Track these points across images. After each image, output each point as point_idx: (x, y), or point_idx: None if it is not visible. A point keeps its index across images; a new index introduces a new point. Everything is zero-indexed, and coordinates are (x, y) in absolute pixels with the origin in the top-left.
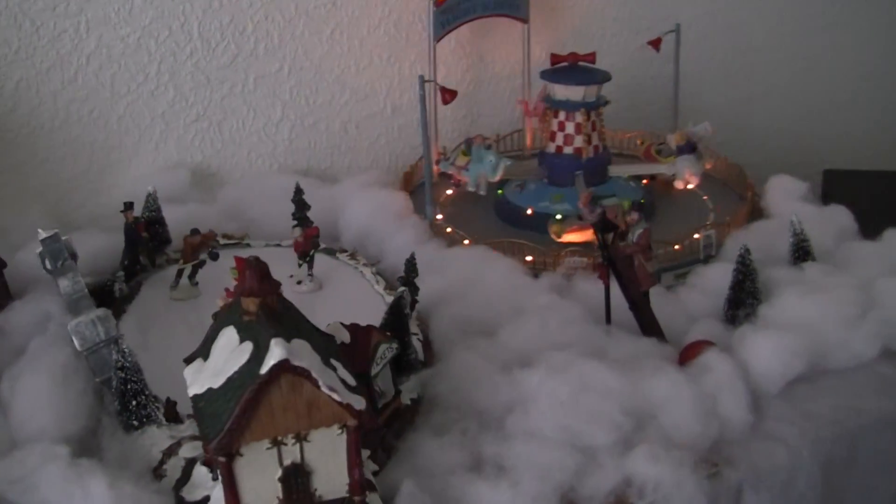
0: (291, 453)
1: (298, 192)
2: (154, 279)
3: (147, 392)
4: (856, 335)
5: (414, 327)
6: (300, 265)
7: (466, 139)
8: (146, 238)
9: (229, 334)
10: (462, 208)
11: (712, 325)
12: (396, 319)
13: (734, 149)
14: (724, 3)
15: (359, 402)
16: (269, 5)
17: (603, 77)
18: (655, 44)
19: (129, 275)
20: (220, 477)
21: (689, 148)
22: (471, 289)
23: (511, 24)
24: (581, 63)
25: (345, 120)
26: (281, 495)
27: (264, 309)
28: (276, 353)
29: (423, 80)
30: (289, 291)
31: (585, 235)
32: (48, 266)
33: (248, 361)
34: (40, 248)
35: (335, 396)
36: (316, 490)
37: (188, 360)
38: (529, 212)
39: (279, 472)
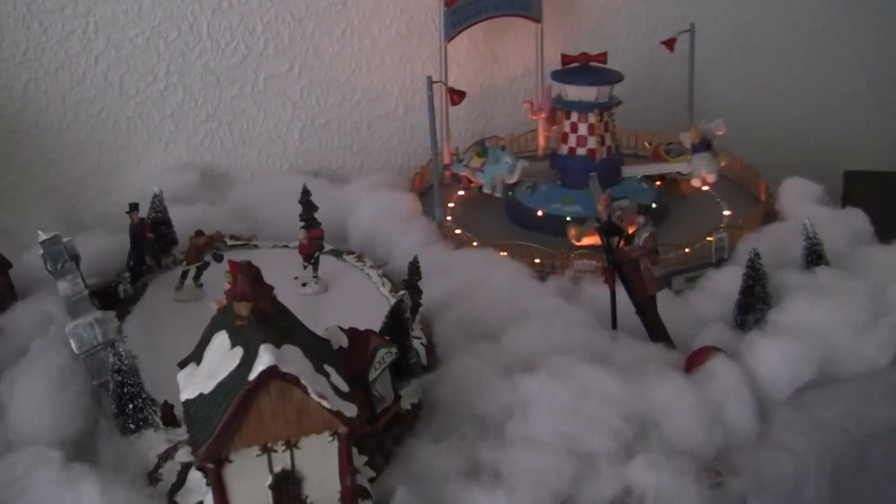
0: (282, 460)
1: (305, 193)
2: (160, 280)
3: (144, 395)
4: (867, 342)
5: (417, 331)
6: (305, 267)
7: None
8: (151, 239)
9: (221, 339)
10: (473, 210)
11: (721, 330)
12: (396, 323)
13: (752, 149)
14: (742, 1)
15: (350, 410)
16: (278, 6)
17: (615, 77)
18: (669, 44)
19: (134, 276)
20: None
21: (705, 146)
22: (476, 292)
23: (525, 24)
24: (592, 63)
25: (356, 120)
26: (272, 502)
27: (256, 314)
28: (264, 359)
29: (430, 82)
30: (294, 293)
31: None
32: (49, 268)
33: (238, 367)
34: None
35: (325, 404)
36: (307, 497)
37: (182, 364)
38: (540, 213)
39: (269, 479)
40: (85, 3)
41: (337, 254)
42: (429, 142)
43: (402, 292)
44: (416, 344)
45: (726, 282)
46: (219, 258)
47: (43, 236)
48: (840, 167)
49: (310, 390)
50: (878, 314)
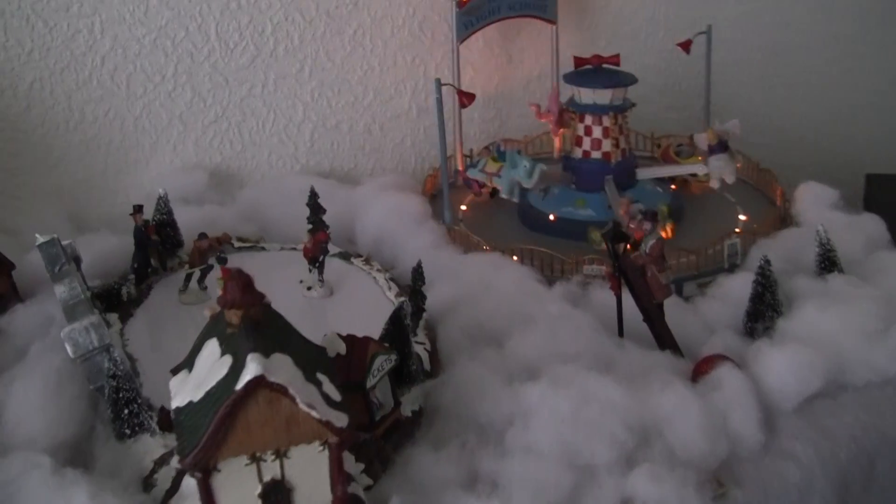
0: (271, 469)
1: (313, 195)
2: (165, 282)
3: (140, 400)
4: (878, 350)
5: (421, 336)
6: (311, 271)
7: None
8: (156, 241)
9: (212, 347)
10: (485, 213)
11: (730, 337)
12: (397, 330)
13: (772, 151)
14: (762, 2)
15: (340, 419)
16: (288, 6)
17: (630, 79)
18: (685, 46)
19: (139, 278)
20: None
21: (722, 147)
22: (483, 296)
23: (541, 25)
24: (606, 65)
25: (368, 122)
26: None
27: (246, 321)
28: (251, 368)
29: (439, 84)
30: (299, 297)
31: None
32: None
33: (227, 376)
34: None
35: (313, 413)
36: None
37: (174, 371)
38: (552, 217)
39: (259, 489)
40: (90, 2)
41: (344, 257)
42: (447, 142)
43: (402, 299)
44: (420, 349)
45: (737, 288)
46: (223, 261)
47: (40, 239)
48: (862, 170)
49: (298, 400)
50: (891, 322)
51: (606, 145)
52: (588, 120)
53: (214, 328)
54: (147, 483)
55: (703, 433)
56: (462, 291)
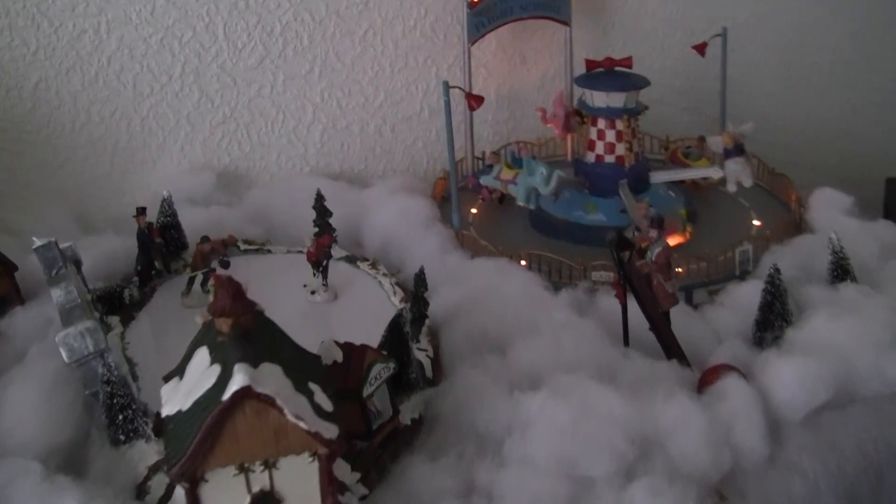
0: (260, 480)
1: (319, 198)
2: (168, 285)
3: (135, 406)
4: (889, 361)
5: (424, 343)
6: (315, 275)
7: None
8: (160, 243)
9: (202, 355)
10: (495, 217)
11: (738, 347)
12: (396, 337)
13: (791, 154)
14: (781, 2)
15: (330, 431)
16: (297, 6)
17: (643, 82)
18: (700, 48)
19: (143, 280)
20: None
21: (738, 150)
22: (488, 302)
23: (555, 26)
24: (618, 68)
25: (379, 123)
26: None
27: (236, 330)
28: (238, 378)
29: (447, 86)
30: (302, 301)
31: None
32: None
33: (215, 385)
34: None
35: (302, 425)
36: None
37: (167, 378)
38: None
39: (247, 499)
40: (97, 2)
41: (351, 260)
42: (460, 144)
43: (401, 306)
44: (422, 356)
45: (747, 296)
46: (225, 265)
47: (37, 242)
48: (882, 174)
49: (286, 411)
50: None
51: (620, 149)
52: (601, 124)
53: (205, 336)
54: (141, 490)
55: (705, 445)
56: (468, 297)
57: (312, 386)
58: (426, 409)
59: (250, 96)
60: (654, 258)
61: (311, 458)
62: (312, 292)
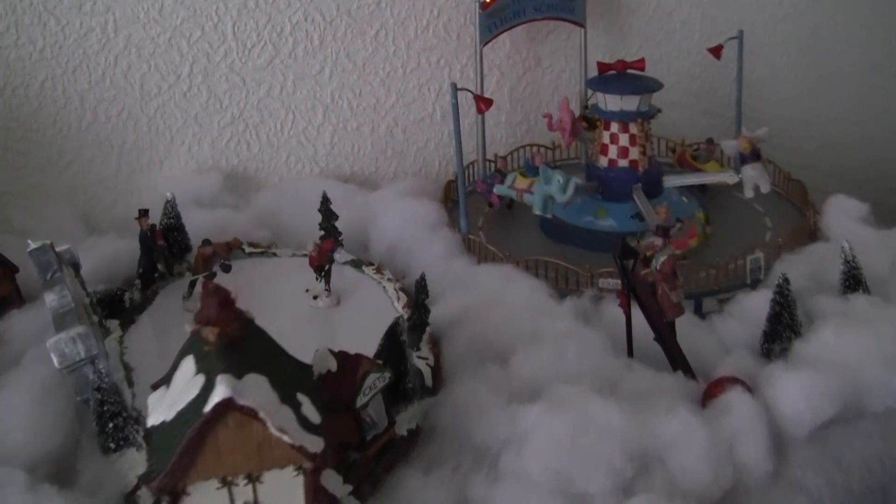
0: (244, 494)
1: (325, 201)
2: (171, 288)
3: (125, 414)
4: None
5: (425, 351)
6: (318, 279)
7: (525, 161)
8: (163, 246)
9: (188, 364)
10: (505, 221)
11: (745, 359)
12: (392, 346)
13: (810, 159)
14: (801, 4)
15: (315, 444)
16: (308, 6)
17: (657, 85)
18: (716, 51)
19: (145, 283)
20: None
21: (755, 155)
22: (492, 310)
23: (571, 27)
24: (630, 70)
25: (390, 124)
26: None
27: (223, 339)
28: (220, 390)
29: (455, 88)
30: (305, 305)
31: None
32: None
33: (198, 396)
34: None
35: (285, 438)
36: None
37: (155, 386)
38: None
39: None
40: (104, 0)
41: (356, 264)
42: (471, 147)
43: (398, 315)
44: (422, 365)
45: (757, 306)
46: (226, 268)
47: (32, 245)
48: None
49: (269, 424)
50: None
51: (634, 153)
52: (614, 127)
53: (193, 344)
54: (129, 500)
55: (706, 461)
56: (472, 304)
57: (301, 397)
58: (424, 420)
59: (259, 97)
60: (659, 267)
61: (296, 472)
62: (315, 297)
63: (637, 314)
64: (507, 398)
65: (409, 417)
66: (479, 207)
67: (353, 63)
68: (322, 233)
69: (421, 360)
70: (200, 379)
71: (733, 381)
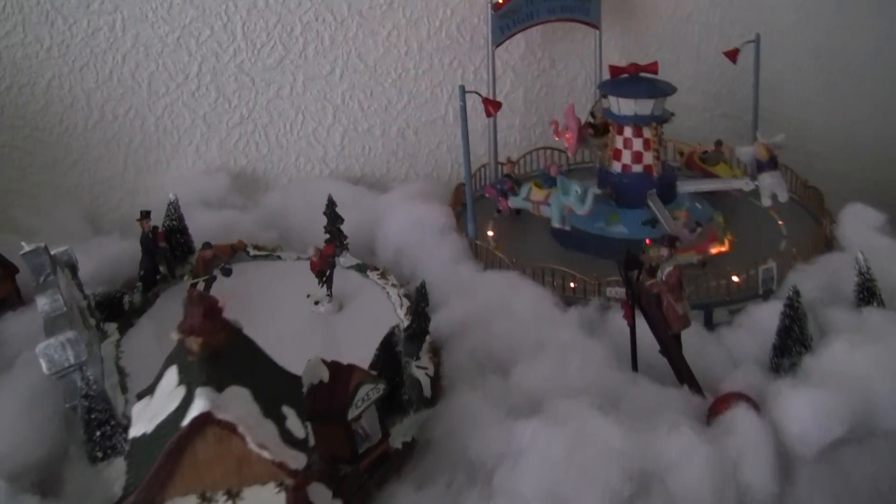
0: None
1: (331, 204)
2: (172, 291)
3: (113, 422)
4: None
5: (425, 360)
6: (320, 285)
7: (541, 171)
8: (165, 248)
9: (171, 375)
10: (515, 226)
11: (753, 373)
12: (388, 356)
13: (826, 164)
14: (821, 7)
15: (297, 460)
16: (319, 6)
17: (671, 88)
18: (732, 55)
19: (147, 285)
20: None
21: (773, 163)
22: (496, 319)
23: (587, 29)
24: (643, 74)
25: (402, 126)
26: None
27: (206, 349)
28: (198, 404)
29: (463, 91)
30: (305, 311)
31: (688, 256)
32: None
33: (178, 408)
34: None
35: (265, 454)
36: None
37: (139, 396)
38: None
39: None
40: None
41: (361, 269)
42: (484, 149)
43: (394, 325)
44: (421, 375)
45: (767, 318)
46: (227, 272)
47: (25, 248)
48: None
49: (248, 439)
50: None
51: (648, 158)
52: (627, 132)
53: (178, 354)
54: None
55: (709, 482)
56: (475, 312)
57: (286, 410)
58: (420, 432)
59: (269, 97)
60: (664, 277)
61: (277, 489)
62: (316, 303)
63: (642, 326)
64: (506, 412)
65: (405, 430)
66: (490, 212)
67: (365, 64)
68: (327, 236)
69: (420, 369)
70: (181, 391)
71: (739, 397)
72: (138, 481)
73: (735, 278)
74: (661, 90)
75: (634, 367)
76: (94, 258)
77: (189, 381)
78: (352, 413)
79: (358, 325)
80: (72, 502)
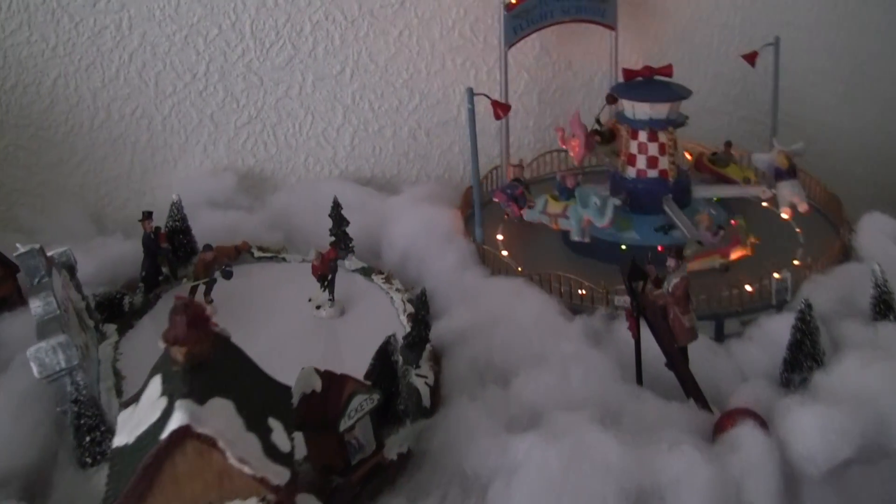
0: None
1: (336, 206)
2: (174, 292)
3: (104, 428)
4: None
5: (425, 369)
6: (322, 289)
7: (556, 183)
8: (167, 249)
9: (155, 384)
10: (525, 232)
11: (762, 389)
12: (383, 366)
13: (848, 166)
14: (842, 9)
15: (279, 475)
16: (329, 5)
17: (687, 91)
18: (751, 58)
19: (148, 286)
20: None
21: (792, 172)
22: (499, 327)
23: (603, 30)
24: (658, 77)
25: (413, 127)
26: None
27: (191, 359)
28: (177, 416)
29: (471, 94)
30: (306, 316)
31: (710, 262)
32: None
33: (158, 420)
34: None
35: (245, 469)
36: None
37: (125, 404)
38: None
39: None
40: None
41: (366, 272)
42: (497, 151)
43: (390, 334)
44: (420, 384)
45: (779, 331)
46: (228, 275)
47: (20, 249)
48: None
49: (228, 454)
50: None
51: (664, 163)
52: (642, 136)
53: (163, 363)
54: None
55: (710, 502)
56: (478, 320)
57: (272, 422)
58: (417, 443)
59: (278, 96)
60: (671, 289)
61: None
62: (318, 307)
63: (649, 338)
64: (504, 424)
65: (401, 440)
66: (500, 215)
67: (376, 64)
68: (332, 239)
69: (420, 378)
70: (164, 402)
71: (746, 413)
72: (118, 493)
73: (748, 287)
74: (677, 94)
75: (639, 380)
76: (96, 258)
77: (171, 392)
78: (344, 424)
79: (359, 331)
80: None
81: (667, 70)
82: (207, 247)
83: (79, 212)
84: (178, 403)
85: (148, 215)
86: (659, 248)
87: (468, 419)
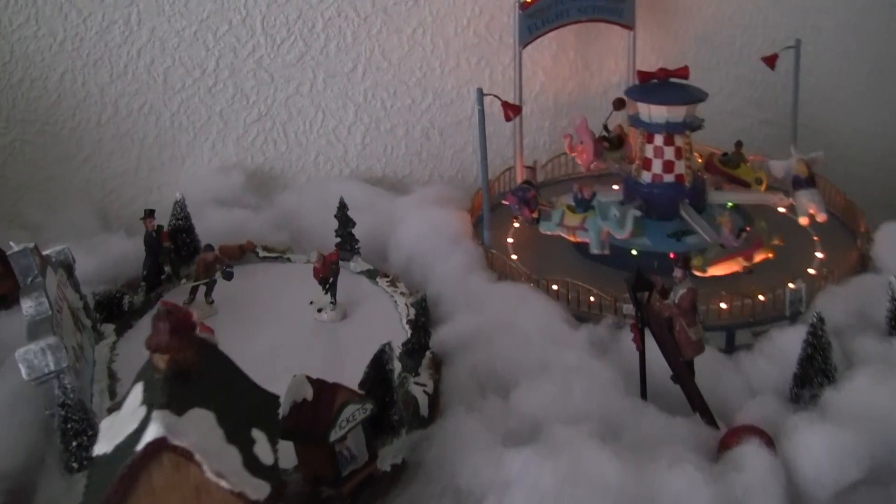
0: None
1: (342, 207)
2: (176, 292)
3: (91, 432)
4: None
5: (424, 376)
6: (324, 292)
7: (573, 194)
8: (169, 248)
9: (137, 392)
10: (535, 236)
11: (771, 405)
12: (378, 375)
13: (870, 172)
14: (869, 11)
15: (259, 490)
16: (341, 1)
17: (704, 94)
18: (771, 61)
19: (150, 286)
20: None
21: (811, 181)
22: (502, 334)
23: (622, 30)
24: (673, 79)
25: (426, 126)
26: None
27: (174, 367)
28: (153, 428)
29: (481, 94)
30: (308, 318)
31: (734, 266)
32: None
33: (136, 430)
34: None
35: (223, 483)
36: None
37: (110, 410)
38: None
39: None
40: None
41: (371, 275)
42: (511, 151)
43: (386, 341)
44: (419, 392)
45: (789, 344)
46: (229, 276)
47: (14, 248)
48: None
49: (205, 467)
50: None
51: (680, 167)
52: (658, 140)
53: (146, 370)
54: None
55: None
56: (482, 326)
57: (256, 434)
58: (412, 454)
59: (288, 93)
60: (677, 301)
61: None
62: (319, 310)
63: (654, 350)
64: (502, 437)
65: (395, 451)
66: (511, 219)
67: (388, 61)
68: (338, 240)
69: (418, 386)
70: (143, 411)
71: (752, 431)
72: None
73: (761, 297)
74: (695, 96)
75: (643, 394)
76: (97, 256)
77: (151, 402)
78: (334, 434)
79: (361, 336)
80: None
81: (683, 72)
82: (209, 246)
83: (84, 208)
84: (155, 414)
85: (150, 213)
86: (671, 255)
87: (465, 431)
